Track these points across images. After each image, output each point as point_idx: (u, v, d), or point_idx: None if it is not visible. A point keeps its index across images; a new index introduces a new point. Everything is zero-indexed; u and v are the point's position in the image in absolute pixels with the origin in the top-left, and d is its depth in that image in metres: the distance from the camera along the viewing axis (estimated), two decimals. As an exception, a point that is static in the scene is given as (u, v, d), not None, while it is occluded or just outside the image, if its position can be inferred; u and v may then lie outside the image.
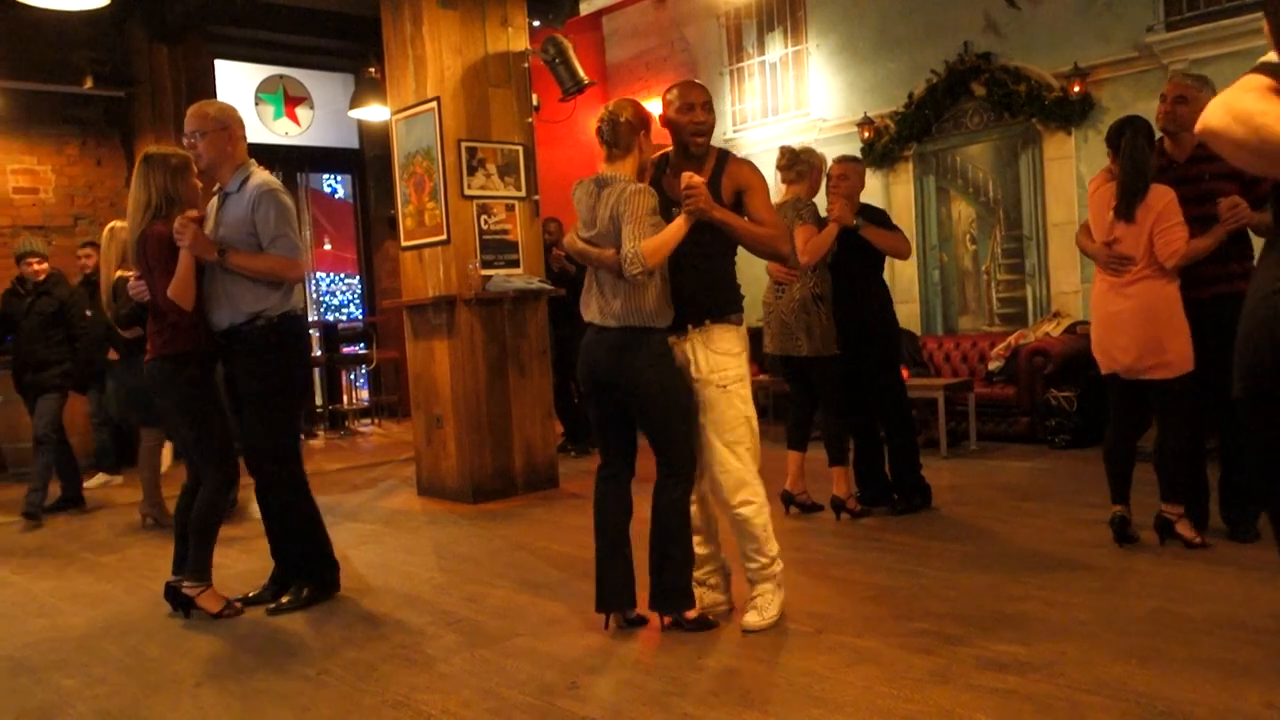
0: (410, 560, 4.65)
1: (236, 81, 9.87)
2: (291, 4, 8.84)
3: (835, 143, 8.48)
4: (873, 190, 8.35)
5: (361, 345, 10.42)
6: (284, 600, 3.89)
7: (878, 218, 4.92)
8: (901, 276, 8.04)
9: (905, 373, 6.92)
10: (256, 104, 10.15)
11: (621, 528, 3.35)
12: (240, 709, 2.93)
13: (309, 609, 3.87)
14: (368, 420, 10.52)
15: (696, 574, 3.42)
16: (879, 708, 2.64)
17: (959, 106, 7.89)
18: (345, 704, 2.91)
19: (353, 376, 11.05)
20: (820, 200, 4.90)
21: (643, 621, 3.39)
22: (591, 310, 3.34)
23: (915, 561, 4.06)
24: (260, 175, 3.86)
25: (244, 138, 3.91)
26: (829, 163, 4.97)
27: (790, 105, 9.23)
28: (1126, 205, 3.91)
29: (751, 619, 3.31)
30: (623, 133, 3.25)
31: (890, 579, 3.84)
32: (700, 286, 3.30)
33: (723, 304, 3.34)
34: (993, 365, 7.17)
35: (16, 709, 3.03)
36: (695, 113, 3.32)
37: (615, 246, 3.17)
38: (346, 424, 10.09)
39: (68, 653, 3.52)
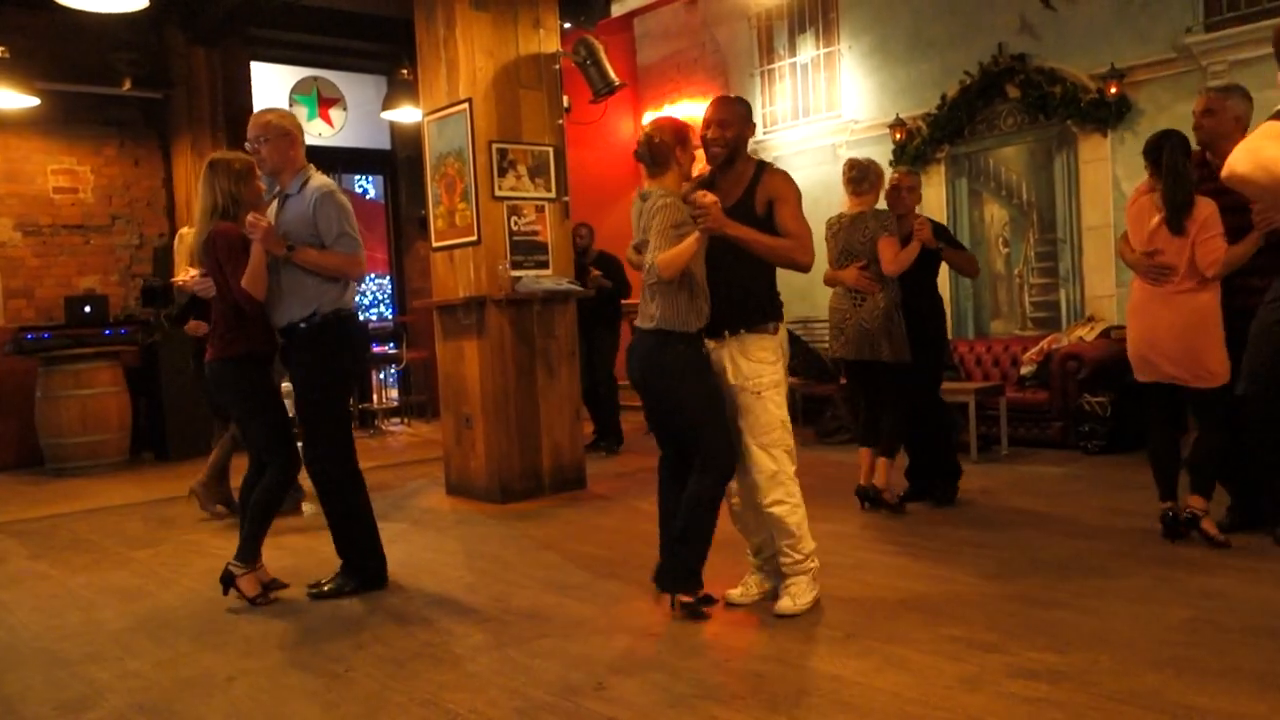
0: (438, 559, 4.67)
1: (271, 83, 9.97)
2: (326, 6, 8.93)
3: (866, 145, 8.44)
4: (904, 192, 8.31)
5: (392, 345, 10.48)
6: (325, 586, 4.05)
7: (945, 235, 5.22)
8: (933, 279, 7.98)
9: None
10: (291, 105, 10.24)
11: (675, 512, 3.55)
12: (270, 704, 2.96)
13: (341, 602, 3.91)
14: (397, 420, 10.58)
15: (756, 558, 3.71)
16: (908, 714, 2.62)
17: (993, 108, 7.82)
18: (373, 701, 2.93)
19: (383, 376, 11.12)
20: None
21: (710, 600, 3.56)
22: (640, 314, 3.56)
23: (946, 567, 4.02)
24: (319, 178, 4.06)
25: (304, 143, 4.10)
26: (887, 173, 5.22)
27: (821, 107, 9.19)
28: (1176, 219, 3.97)
29: (785, 604, 3.46)
30: (659, 151, 3.48)
31: (921, 584, 3.81)
32: (735, 296, 3.48)
33: (757, 313, 3.52)
34: (1025, 369, 7.10)
35: (52, 701, 3.08)
36: (710, 130, 3.53)
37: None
38: (376, 423, 10.15)
39: (102, 646, 3.57)
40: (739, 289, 3.47)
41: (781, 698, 2.77)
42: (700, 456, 3.44)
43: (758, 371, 3.46)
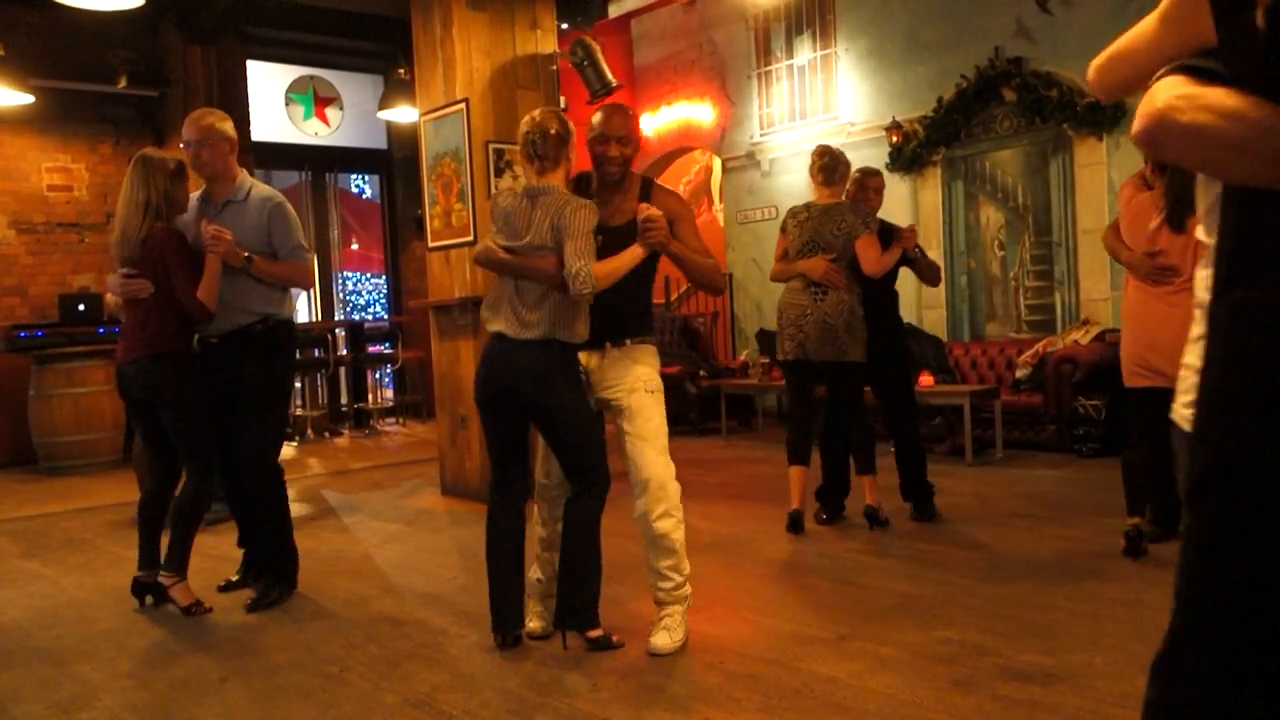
0: (433, 560, 4.67)
1: (267, 82, 9.97)
2: (323, 5, 8.92)
3: (863, 147, 8.45)
4: (900, 196, 8.33)
5: (387, 345, 10.47)
6: (259, 598, 3.96)
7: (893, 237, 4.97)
8: (928, 282, 7.99)
9: (930, 379, 6.92)
10: (287, 104, 10.24)
11: (519, 544, 3.34)
12: (264, 705, 2.95)
13: (334, 602, 3.90)
14: (392, 420, 10.57)
15: (655, 584, 3.31)
16: (901, 716, 2.62)
17: (989, 111, 7.84)
18: (367, 702, 2.93)
19: (378, 376, 11.11)
20: None
21: (602, 644, 3.23)
22: (501, 320, 3.25)
23: (939, 569, 4.03)
24: (261, 186, 4.07)
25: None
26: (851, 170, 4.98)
27: (818, 109, 9.20)
28: (1179, 216, 3.84)
29: (662, 641, 3.18)
30: (553, 145, 3.20)
31: (914, 587, 3.81)
32: (624, 307, 3.29)
33: (645, 325, 3.39)
34: (1020, 373, 7.11)
35: (45, 700, 3.07)
36: (609, 146, 3.26)
37: (552, 259, 3.14)
38: (371, 423, 10.14)
39: (95, 645, 3.56)
40: (629, 300, 3.29)
41: (775, 700, 2.77)
42: (584, 477, 3.24)
43: (650, 374, 3.30)
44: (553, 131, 3.20)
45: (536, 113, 3.26)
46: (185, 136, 3.97)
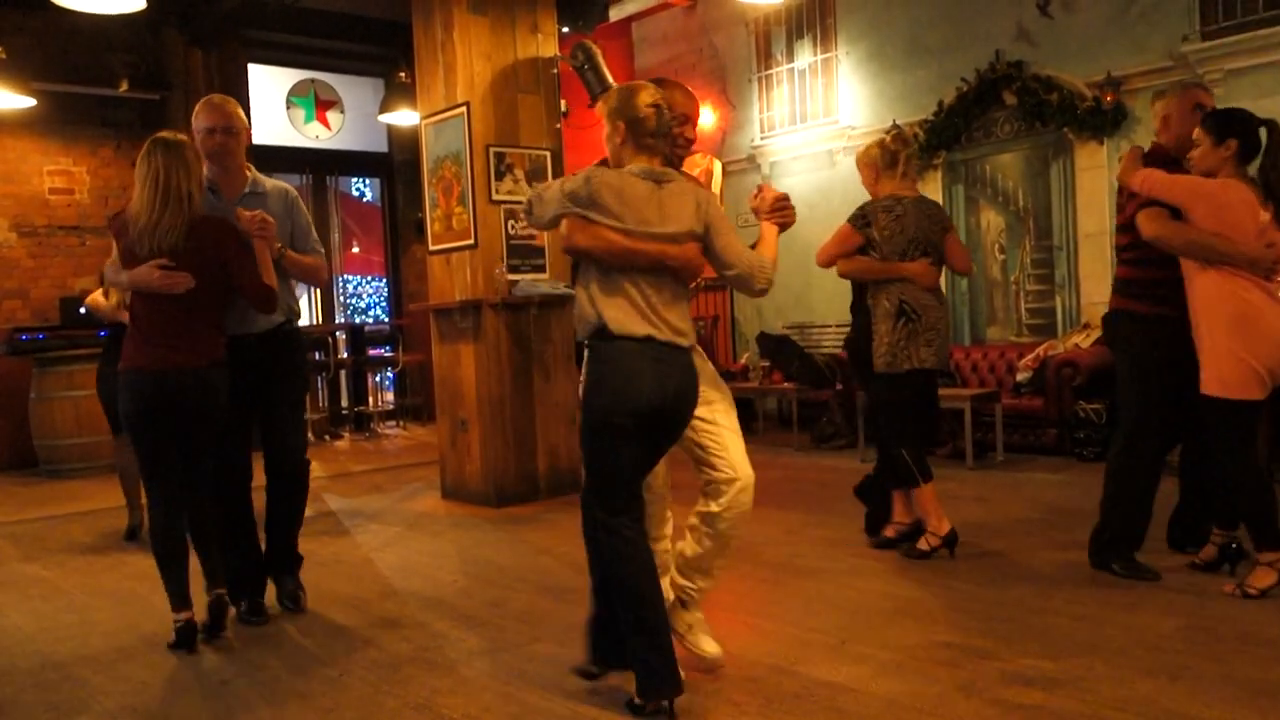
0: (433, 563, 4.66)
1: (268, 85, 9.98)
2: (324, 9, 8.93)
3: (864, 151, 8.44)
4: (901, 199, 8.32)
5: (388, 348, 10.47)
6: (289, 598, 3.93)
7: None
8: (929, 285, 7.98)
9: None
10: (288, 107, 10.25)
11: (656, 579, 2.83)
12: (264, 708, 2.95)
13: (334, 605, 3.90)
14: (393, 422, 10.57)
15: (693, 585, 3.08)
16: (902, 721, 2.62)
17: (989, 115, 7.84)
18: (368, 705, 2.92)
19: (379, 379, 11.11)
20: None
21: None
22: (642, 323, 2.73)
23: (940, 573, 4.02)
24: (271, 179, 3.95)
25: None
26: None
27: (819, 112, 9.20)
28: None
29: (715, 647, 3.04)
30: (666, 126, 2.83)
31: (915, 591, 3.81)
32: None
33: None
34: (1021, 376, 7.11)
35: (44, 703, 3.07)
36: (687, 128, 3.03)
37: (696, 248, 2.80)
38: (372, 426, 10.14)
39: (95, 649, 3.56)
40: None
41: (776, 704, 2.77)
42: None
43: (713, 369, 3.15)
44: (672, 114, 2.89)
45: (654, 89, 2.83)
46: (210, 123, 3.69)
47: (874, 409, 4.63)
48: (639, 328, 2.72)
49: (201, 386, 3.43)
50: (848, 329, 4.73)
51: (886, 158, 4.34)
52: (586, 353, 2.83)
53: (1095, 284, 7.31)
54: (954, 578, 3.95)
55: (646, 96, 2.78)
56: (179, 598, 3.44)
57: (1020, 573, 3.98)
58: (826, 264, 4.43)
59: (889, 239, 4.24)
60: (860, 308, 4.49)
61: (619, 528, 2.74)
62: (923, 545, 4.24)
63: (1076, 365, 6.67)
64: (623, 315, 2.73)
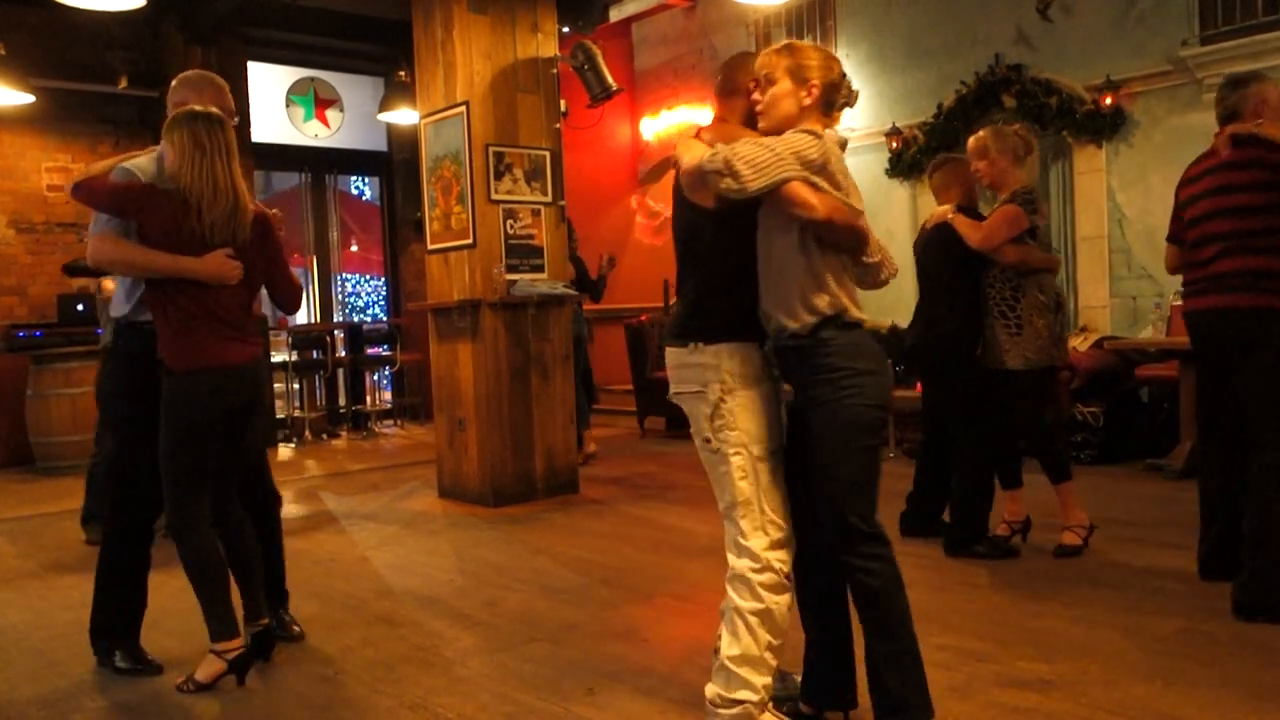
0: (430, 562, 4.66)
1: (267, 83, 9.97)
2: (324, 7, 8.92)
3: (863, 153, 8.45)
4: (899, 201, 8.34)
5: (386, 347, 10.47)
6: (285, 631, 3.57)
7: None
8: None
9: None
10: (287, 106, 10.24)
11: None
12: (259, 706, 2.95)
13: (330, 604, 3.89)
14: (390, 422, 10.56)
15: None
16: (898, 722, 2.61)
17: (989, 118, 7.81)
18: (362, 705, 2.92)
19: (376, 378, 11.11)
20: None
21: None
22: (857, 307, 2.43)
23: (936, 575, 4.02)
24: None
25: None
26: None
27: (818, 114, 9.19)
28: None
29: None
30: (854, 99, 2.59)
31: (910, 592, 3.78)
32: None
33: None
34: (1018, 379, 7.09)
35: (39, 700, 3.06)
36: (760, 91, 2.54)
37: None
38: (369, 425, 10.14)
39: (89, 646, 3.54)
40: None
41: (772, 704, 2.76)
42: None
43: None
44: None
45: (826, 54, 2.55)
46: (226, 106, 3.29)
47: (969, 407, 4.36)
48: (858, 312, 2.41)
49: (255, 378, 3.25)
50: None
51: (1024, 148, 4.22)
52: (815, 347, 2.37)
53: (1093, 287, 7.32)
54: (949, 579, 3.95)
55: (827, 60, 2.51)
56: (231, 624, 3.11)
57: (1017, 575, 3.98)
58: (997, 246, 4.08)
59: (1043, 228, 4.18)
60: (951, 304, 4.30)
61: (789, 563, 2.63)
62: (1072, 540, 4.25)
63: (1074, 369, 6.67)
64: (850, 302, 2.39)
